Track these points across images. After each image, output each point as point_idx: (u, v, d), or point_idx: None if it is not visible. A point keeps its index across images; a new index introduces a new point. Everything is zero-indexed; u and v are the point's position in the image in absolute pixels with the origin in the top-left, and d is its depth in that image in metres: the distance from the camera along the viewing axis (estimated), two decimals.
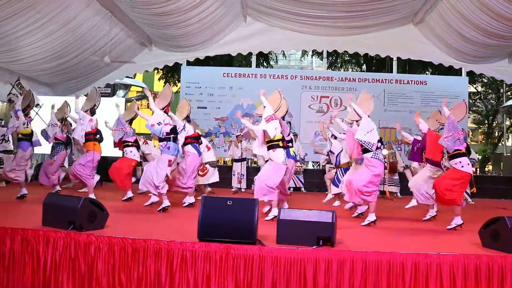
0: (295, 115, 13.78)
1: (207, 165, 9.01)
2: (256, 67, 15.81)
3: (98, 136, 7.86)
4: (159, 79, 22.08)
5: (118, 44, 11.75)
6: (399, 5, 11.10)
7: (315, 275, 3.97)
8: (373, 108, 6.54)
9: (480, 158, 24.34)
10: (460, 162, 5.93)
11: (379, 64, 18.79)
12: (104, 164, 9.52)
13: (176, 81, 20.08)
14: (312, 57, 25.11)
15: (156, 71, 19.99)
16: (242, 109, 13.71)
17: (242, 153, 11.08)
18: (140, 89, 23.32)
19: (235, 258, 4.07)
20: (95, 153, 7.71)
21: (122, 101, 13.40)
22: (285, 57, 24.18)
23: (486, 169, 25.79)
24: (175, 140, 7.02)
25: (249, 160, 14.21)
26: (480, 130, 29.40)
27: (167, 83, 8.91)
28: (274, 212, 6.03)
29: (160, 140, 7.02)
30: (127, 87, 19.98)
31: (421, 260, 3.97)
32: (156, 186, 6.85)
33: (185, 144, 7.47)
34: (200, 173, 8.73)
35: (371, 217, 6.16)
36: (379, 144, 6.18)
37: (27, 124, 7.89)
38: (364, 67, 21.32)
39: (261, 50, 13.92)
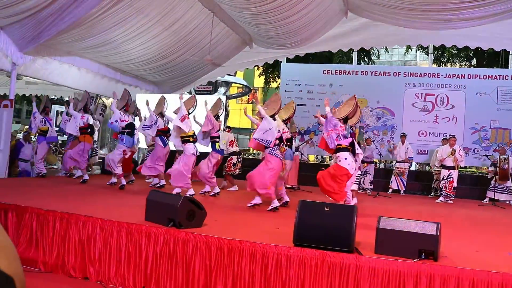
0: (398, 114, 13.21)
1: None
2: (357, 63, 15.36)
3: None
4: (259, 76, 22.40)
5: (220, 43, 12.02)
6: None
7: None
8: (279, 107, 7.40)
9: None
10: (339, 157, 6.44)
11: (491, 58, 17.36)
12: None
13: (276, 77, 20.18)
14: (416, 52, 23.89)
15: (256, 68, 20.26)
16: None
17: None
18: (241, 85, 23.93)
19: (331, 265, 3.95)
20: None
21: (223, 98, 13.78)
22: (387, 52, 23.30)
23: None
24: (129, 134, 8.59)
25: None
26: None
27: (124, 88, 9.87)
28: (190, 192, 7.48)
29: (118, 133, 8.69)
30: (228, 84, 20.53)
31: None
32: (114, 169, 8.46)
33: (156, 135, 8.82)
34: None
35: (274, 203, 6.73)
36: (277, 142, 6.85)
37: (45, 123, 9.56)
38: (473, 61, 19.84)
39: (362, 46, 13.46)
